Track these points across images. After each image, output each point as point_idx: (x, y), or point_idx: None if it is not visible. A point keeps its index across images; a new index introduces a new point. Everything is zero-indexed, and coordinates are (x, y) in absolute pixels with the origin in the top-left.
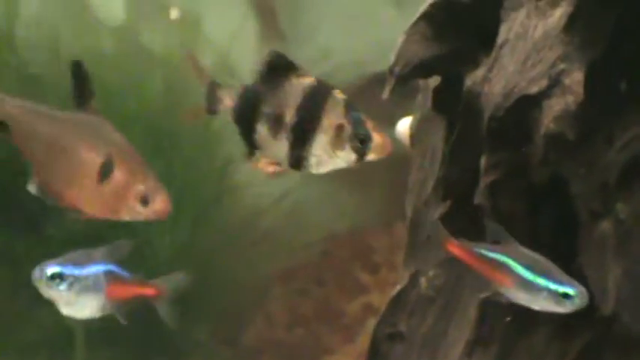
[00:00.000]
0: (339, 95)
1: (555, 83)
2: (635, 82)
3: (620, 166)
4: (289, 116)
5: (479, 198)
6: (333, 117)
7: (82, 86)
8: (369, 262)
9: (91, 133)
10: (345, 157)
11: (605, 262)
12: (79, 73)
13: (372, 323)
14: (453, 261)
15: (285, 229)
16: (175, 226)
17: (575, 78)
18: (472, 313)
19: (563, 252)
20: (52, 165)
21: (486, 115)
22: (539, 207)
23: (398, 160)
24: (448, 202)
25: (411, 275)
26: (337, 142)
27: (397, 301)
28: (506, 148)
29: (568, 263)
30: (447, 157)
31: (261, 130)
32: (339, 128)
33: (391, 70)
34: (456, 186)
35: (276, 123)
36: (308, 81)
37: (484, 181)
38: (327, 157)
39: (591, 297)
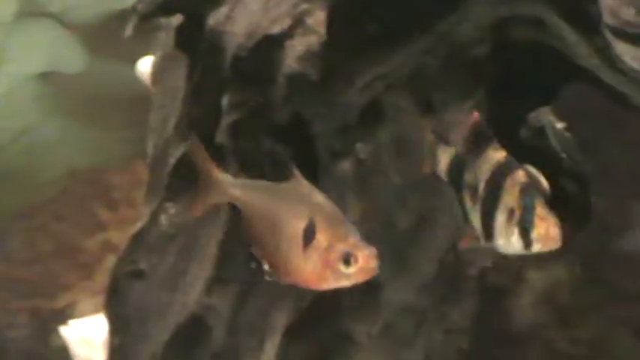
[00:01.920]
0: (520, 177)
1: (298, 23)
2: (380, 22)
3: (360, 107)
4: (480, 190)
5: (221, 137)
6: (508, 199)
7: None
8: (109, 200)
9: (295, 200)
10: (514, 243)
11: (346, 201)
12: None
13: (110, 260)
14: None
15: (24, 166)
16: None
17: (318, 18)
18: (212, 251)
19: None
20: (268, 239)
21: (229, 54)
22: (281, 146)
23: (140, 99)
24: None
25: (152, 213)
26: (509, 226)
27: (138, 239)
28: (249, 88)
29: None
30: (190, 97)
31: (465, 198)
32: (511, 212)
33: (134, 8)
34: (198, 125)
35: (474, 195)
36: (498, 156)
37: (226, 120)
38: (505, 239)
39: None
